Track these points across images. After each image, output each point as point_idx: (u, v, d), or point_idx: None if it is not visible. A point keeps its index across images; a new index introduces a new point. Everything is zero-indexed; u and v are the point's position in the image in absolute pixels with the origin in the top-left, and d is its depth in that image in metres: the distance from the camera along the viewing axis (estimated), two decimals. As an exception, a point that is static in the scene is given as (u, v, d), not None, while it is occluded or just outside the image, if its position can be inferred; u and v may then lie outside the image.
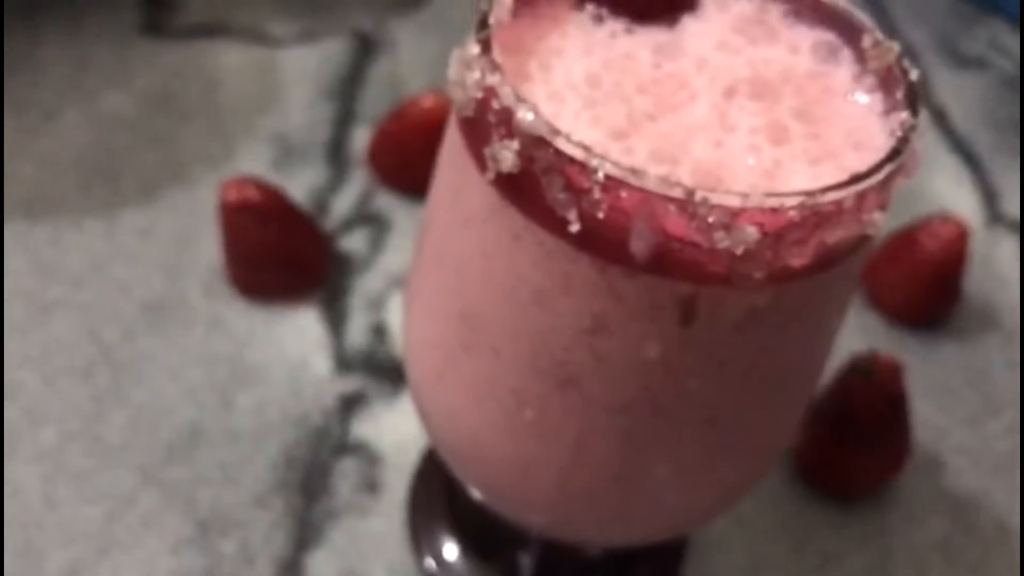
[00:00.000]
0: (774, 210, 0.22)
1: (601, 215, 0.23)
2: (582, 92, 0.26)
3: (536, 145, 0.23)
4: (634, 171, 0.22)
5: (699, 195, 0.22)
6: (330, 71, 0.59)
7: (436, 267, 0.28)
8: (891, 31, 0.69)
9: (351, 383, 0.44)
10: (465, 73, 0.25)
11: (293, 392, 0.43)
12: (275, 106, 0.56)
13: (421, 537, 0.39)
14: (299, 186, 0.51)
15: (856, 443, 0.42)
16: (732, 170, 0.25)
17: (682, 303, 0.24)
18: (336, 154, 0.54)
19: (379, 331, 0.46)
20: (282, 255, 0.45)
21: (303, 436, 0.42)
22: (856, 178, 0.23)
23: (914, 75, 0.27)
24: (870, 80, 0.28)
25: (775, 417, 0.29)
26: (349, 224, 0.50)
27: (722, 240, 0.22)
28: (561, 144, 0.23)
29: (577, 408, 0.26)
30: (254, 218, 0.43)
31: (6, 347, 0.43)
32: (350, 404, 0.43)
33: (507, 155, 0.23)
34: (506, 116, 0.23)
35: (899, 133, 0.25)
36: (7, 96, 0.53)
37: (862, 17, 0.28)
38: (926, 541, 0.43)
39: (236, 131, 0.54)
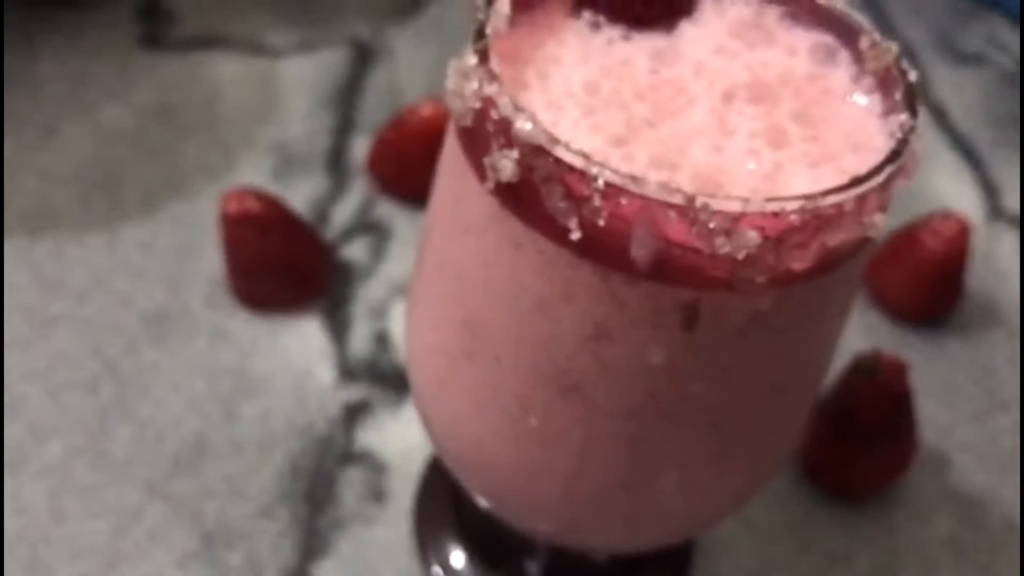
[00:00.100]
0: (775, 214, 0.22)
1: (602, 223, 0.23)
2: (580, 100, 0.26)
3: (535, 154, 0.23)
4: (634, 178, 0.22)
5: (699, 201, 0.22)
6: (329, 80, 0.59)
7: (437, 275, 0.28)
8: (889, 29, 0.69)
9: (355, 392, 0.44)
10: (463, 83, 0.25)
11: (297, 402, 0.43)
12: (274, 116, 0.56)
13: (428, 545, 0.39)
14: (299, 196, 0.51)
15: (862, 442, 0.42)
16: (732, 175, 0.25)
17: (684, 308, 0.24)
18: (336, 163, 0.54)
19: (382, 339, 0.46)
20: (284, 265, 0.45)
21: (308, 446, 0.42)
22: (856, 181, 0.23)
23: (913, 76, 0.27)
24: (868, 81, 0.28)
25: (780, 420, 0.29)
26: (350, 233, 0.50)
27: (723, 245, 0.22)
28: (560, 153, 0.23)
29: (581, 415, 0.26)
30: (255, 229, 0.43)
31: (10, 363, 0.43)
32: (354, 413, 0.43)
33: (506, 164, 0.23)
34: (505, 126, 0.23)
35: (899, 135, 0.25)
36: (7, 111, 0.53)
37: (859, 18, 0.28)
38: (934, 539, 0.43)
39: (236, 142, 0.54)
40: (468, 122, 0.25)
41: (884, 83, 0.27)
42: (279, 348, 0.45)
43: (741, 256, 0.22)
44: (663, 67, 0.27)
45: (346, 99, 0.58)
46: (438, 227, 0.28)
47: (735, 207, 0.22)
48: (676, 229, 0.22)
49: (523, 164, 0.23)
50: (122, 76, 0.56)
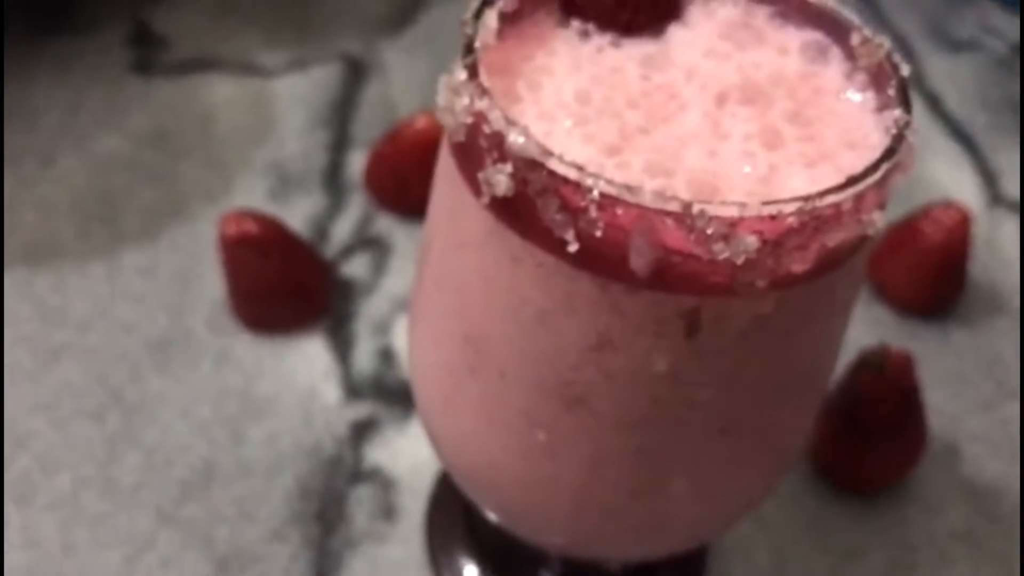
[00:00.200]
0: (772, 217, 0.22)
1: (599, 233, 0.23)
2: (572, 110, 0.26)
3: (529, 168, 0.23)
4: (629, 188, 0.22)
5: (696, 208, 0.22)
6: (322, 97, 0.59)
7: (437, 291, 0.28)
8: (881, 20, 0.69)
9: (361, 409, 0.44)
10: (454, 99, 0.25)
11: (304, 422, 0.43)
12: (269, 136, 0.56)
13: (440, 560, 0.39)
14: (298, 214, 0.51)
15: (871, 438, 0.42)
16: (728, 179, 0.25)
17: (686, 316, 0.24)
18: (333, 180, 0.54)
19: (386, 355, 0.46)
20: (285, 286, 0.45)
21: (316, 466, 0.42)
22: (853, 180, 0.23)
23: (905, 70, 0.27)
24: (861, 77, 0.28)
25: (788, 421, 0.29)
26: (350, 249, 0.50)
27: (722, 251, 0.22)
28: (554, 165, 0.22)
29: (588, 426, 0.26)
30: (254, 251, 0.43)
31: (15, 396, 0.43)
32: (362, 430, 0.43)
33: (501, 179, 0.23)
34: (497, 140, 0.23)
35: (894, 130, 0.25)
36: (5, 144, 0.53)
37: (849, 14, 0.28)
38: (948, 532, 0.43)
39: (232, 164, 0.54)
40: (461, 137, 0.25)
41: (877, 79, 0.27)
42: (284, 369, 0.45)
43: (740, 261, 0.22)
44: (654, 73, 0.27)
45: (340, 115, 0.58)
46: (436, 243, 0.28)
47: (732, 212, 0.22)
48: (674, 237, 0.22)
49: (517, 178, 0.23)
50: (116, 103, 0.56)
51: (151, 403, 0.43)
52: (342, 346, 0.46)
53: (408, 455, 0.42)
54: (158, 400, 0.43)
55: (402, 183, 0.51)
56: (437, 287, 0.28)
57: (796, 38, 0.29)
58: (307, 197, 0.53)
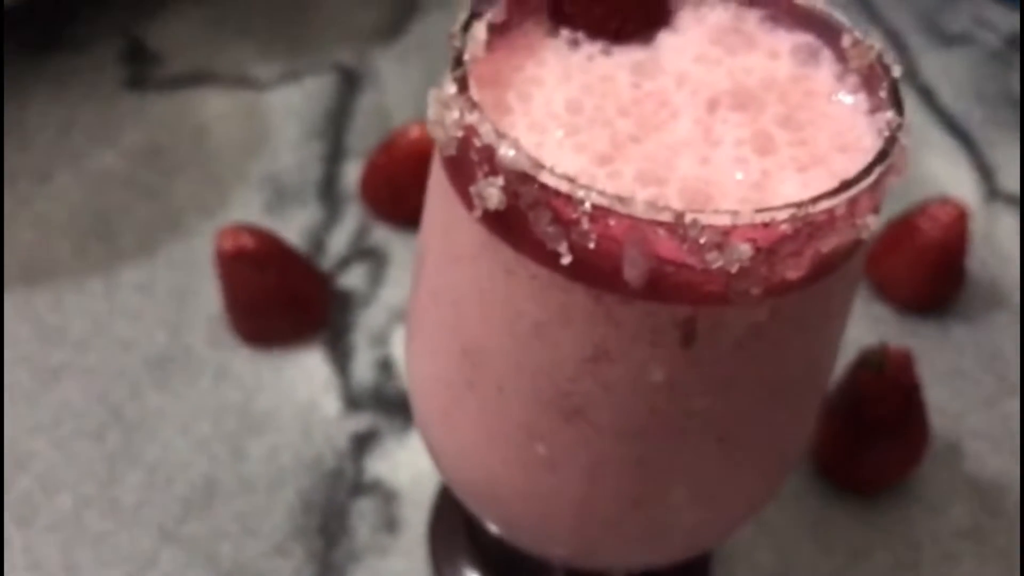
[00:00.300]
0: (765, 225, 0.22)
1: (592, 245, 0.23)
2: (564, 120, 0.26)
3: (520, 181, 0.23)
4: (621, 199, 0.22)
5: (688, 217, 0.22)
6: (316, 108, 0.59)
7: (433, 305, 0.28)
8: (873, 16, 0.69)
9: (362, 421, 0.44)
10: (444, 113, 0.25)
11: (304, 436, 0.43)
12: (265, 148, 0.56)
13: (443, 572, 0.39)
14: (294, 227, 0.51)
15: (873, 437, 0.42)
16: (720, 186, 0.25)
17: (682, 325, 0.24)
18: (329, 191, 0.54)
19: (385, 366, 0.46)
20: (282, 299, 0.45)
21: (318, 480, 0.42)
22: (846, 184, 0.23)
23: (897, 71, 0.26)
24: (853, 79, 0.28)
25: (788, 426, 0.28)
26: (347, 261, 0.50)
27: (716, 260, 0.22)
28: (545, 178, 0.22)
29: (587, 438, 0.26)
30: (251, 265, 0.43)
31: (15, 417, 0.43)
32: (362, 442, 0.43)
33: (493, 192, 0.23)
34: (488, 153, 0.23)
35: (886, 133, 0.25)
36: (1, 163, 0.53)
37: (839, 16, 0.28)
38: (953, 529, 0.42)
39: (228, 178, 0.54)
40: (452, 151, 0.25)
41: (869, 80, 0.27)
42: (283, 383, 0.45)
43: (734, 269, 0.22)
44: (645, 80, 0.27)
45: (335, 125, 0.58)
46: (430, 256, 0.28)
47: (725, 221, 0.22)
48: (667, 247, 0.22)
49: (509, 191, 0.23)
50: (110, 119, 0.56)
51: (151, 420, 0.43)
52: (341, 358, 0.46)
53: (409, 466, 0.42)
54: (158, 417, 0.43)
55: (398, 193, 0.51)
56: (433, 300, 0.28)
57: (787, 41, 0.29)
58: (303, 209, 0.52)
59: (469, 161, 0.24)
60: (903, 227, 0.49)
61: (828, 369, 0.29)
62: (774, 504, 0.42)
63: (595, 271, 0.23)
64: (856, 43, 0.27)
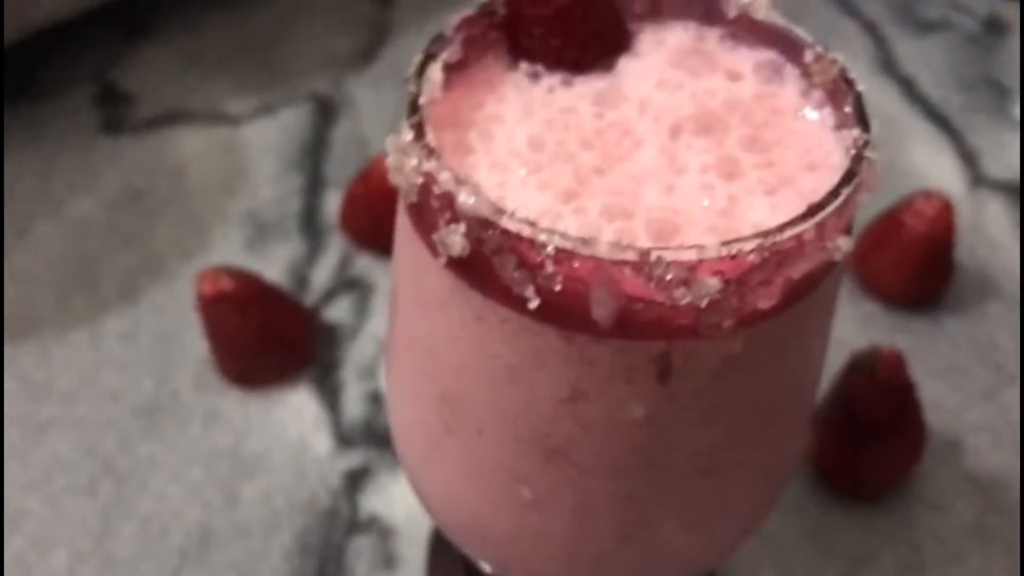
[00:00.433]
0: (732, 257, 0.22)
1: (558, 287, 0.22)
2: (526, 157, 0.26)
3: (482, 227, 0.22)
4: (584, 240, 0.22)
5: (653, 255, 0.21)
6: (293, 139, 0.58)
7: (408, 351, 0.28)
8: (848, 7, 0.68)
9: (354, 458, 0.43)
10: (402, 159, 0.24)
11: (297, 476, 0.43)
12: (243, 185, 0.55)
13: (445, 607, 0.39)
14: (276, 263, 0.51)
15: (870, 440, 0.41)
16: (687, 215, 0.24)
17: (657, 360, 0.23)
18: (309, 224, 0.53)
19: (375, 399, 0.46)
20: (267, 340, 0.44)
21: (313, 521, 0.41)
22: (813, 209, 0.23)
23: (860, 86, 0.26)
24: (818, 95, 0.27)
25: (775, 449, 0.28)
26: (331, 294, 0.50)
27: (684, 296, 0.22)
28: (507, 223, 0.22)
29: (571, 477, 0.26)
30: (232, 308, 0.43)
31: (5, 475, 0.43)
32: (356, 479, 0.43)
33: (456, 240, 0.23)
34: (449, 200, 0.23)
35: (852, 151, 0.24)
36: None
37: (800, 32, 0.28)
38: (957, 528, 0.42)
39: (208, 217, 0.53)
40: (414, 198, 0.24)
41: (834, 95, 0.27)
42: (273, 424, 0.44)
43: (704, 304, 0.22)
44: (607, 110, 0.27)
45: (313, 156, 0.57)
46: (402, 303, 0.28)
47: (690, 256, 0.21)
48: (634, 285, 0.22)
49: (472, 237, 0.23)
50: (87, 165, 0.56)
51: (142, 471, 0.43)
52: (330, 394, 0.46)
53: (404, 501, 0.42)
54: (149, 467, 0.43)
55: (378, 222, 0.50)
56: (408, 347, 0.28)
57: (749, 59, 0.28)
58: (285, 244, 0.52)
59: (431, 208, 0.24)
60: (889, 223, 0.49)
61: (813, 387, 0.29)
62: (775, 514, 0.42)
63: (564, 312, 0.23)
64: (819, 58, 0.27)
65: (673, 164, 0.25)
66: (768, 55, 0.28)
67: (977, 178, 0.57)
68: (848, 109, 0.26)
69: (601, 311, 0.22)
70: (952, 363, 0.48)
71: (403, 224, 0.26)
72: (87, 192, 0.55)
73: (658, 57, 0.28)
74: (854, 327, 0.49)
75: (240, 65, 0.63)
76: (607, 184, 0.25)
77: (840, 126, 0.26)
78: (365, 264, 0.51)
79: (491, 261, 0.23)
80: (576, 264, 0.22)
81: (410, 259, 0.26)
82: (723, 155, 0.26)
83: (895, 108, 0.62)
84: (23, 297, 0.50)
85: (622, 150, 0.26)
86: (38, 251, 0.52)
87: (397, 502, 0.42)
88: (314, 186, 0.56)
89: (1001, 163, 0.58)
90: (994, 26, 0.67)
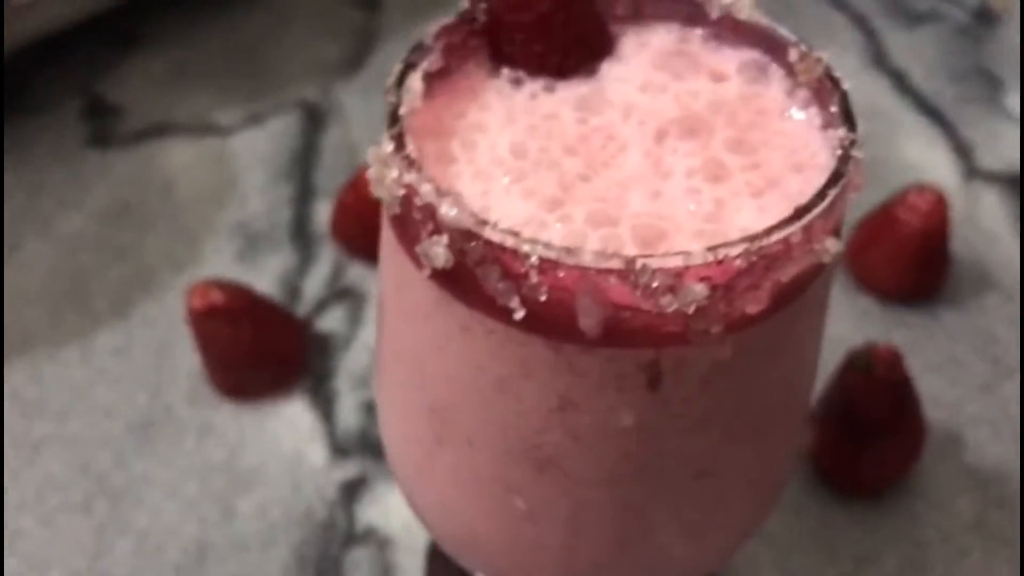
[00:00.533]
0: (719, 262, 0.21)
1: (544, 298, 0.22)
2: (509, 165, 0.25)
3: (465, 238, 0.22)
4: (568, 250, 0.21)
5: (639, 263, 0.21)
6: (282, 148, 0.58)
7: (396, 363, 0.28)
8: (837, 1, 0.68)
9: (350, 468, 0.43)
10: (383, 171, 0.24)
11: (293, 488, 0.42)
12: (232, 196, 0.55)
13: (444, 617, 0.39)
14: (268, 273, 0.51)
15: (869, 438, 0.41)
16: (674, 220, 0.24)
17: (646, 368, 0.23)
18: (300, 233, 0.53)
19: (369, 408, 0.45)
20: (259, 352, 0.44)
21: (309, 533, 0.41)
22: (800, 211, 0.22)
23: (845, 85, 0.26)
24: (804, 94, 0.27)
25: (770, 452, 0.28)
26: (323, 303, 0.50)
27: (671, 303, 0.21)
28: (490, 234, 0.22)
29: (564, 487, 0.25)
30: (223, 321, 0.43)
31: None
32: (352, 490, 0.42)
33: (439, 252, 0.23)
34: (431, 212, 0.23)
35: (839, 151, 0.24)
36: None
37: (784, 31, 0.28)
38: (959, 524, 0.42)
39: (198, 230, 0.53)
40: (396, 209, 0.24)
41: (819, 94, 0.27)
42: (267, 436, 0.44)
43: (691, 310, 0.21)
44: (590, 115, 0.27)
45: (302, 165, 0.57)
46: (388, 315, 0.27)
47: (676, 262, 0.21)
48: (620, 293, 0.22)
49: (455, 249, 0.22)
50: (76, 180, 0.56)
51: (137, 487, 0.43)
52: (324, 404, 0.45)
53: (401, 511, 0.41)
54: (144, 483, 0.43)
55: (370, 230, 0.49)
56: (395, 359, 0.27)
57: (733, 59, 0.28)
58: (276, 254, 0.52)
59: (413, 220, 0.23)
60: (882, 218, 0.49)
61: (807, 389, 0.29)
62: (775, 514, 0.41)
63: (551, 322, 0.22)
64: (804, 56, 0.27)
65: (659, 169, 0.25)
66: (752, 55, 0.28)
67: (971, 170, 0.57)
68: (834, 108, 0.25)
69: (588, 320, 0.22)
70: (950, 357, 0.48)
71: (387, 236, 0.26)
72: (76, 207, 0.54)
73: (641, 60, 0.28)
74: (850, 323, 0.48)
75: (227, 75, 0.62)
76: (592, 191, 0.25)
77: (827, 125, 0.26)
78: (357, 273, 0.51)
79: (475, 272, 0.22)
80: (561, 274, 0.21)
81: (394, 271, 0.26)
82: (709, 158, 0.25)
83: (887, 101, 0.61)
84: (14, 314, 0.49)
85: (607, 155, 0.26)
86: (29, 268, 0.51)
87: (394, 512, 0.41)
88: (304, 195, 0.55)
89: (995, 154, 0.58)
90: (984, 16, 0.67)
